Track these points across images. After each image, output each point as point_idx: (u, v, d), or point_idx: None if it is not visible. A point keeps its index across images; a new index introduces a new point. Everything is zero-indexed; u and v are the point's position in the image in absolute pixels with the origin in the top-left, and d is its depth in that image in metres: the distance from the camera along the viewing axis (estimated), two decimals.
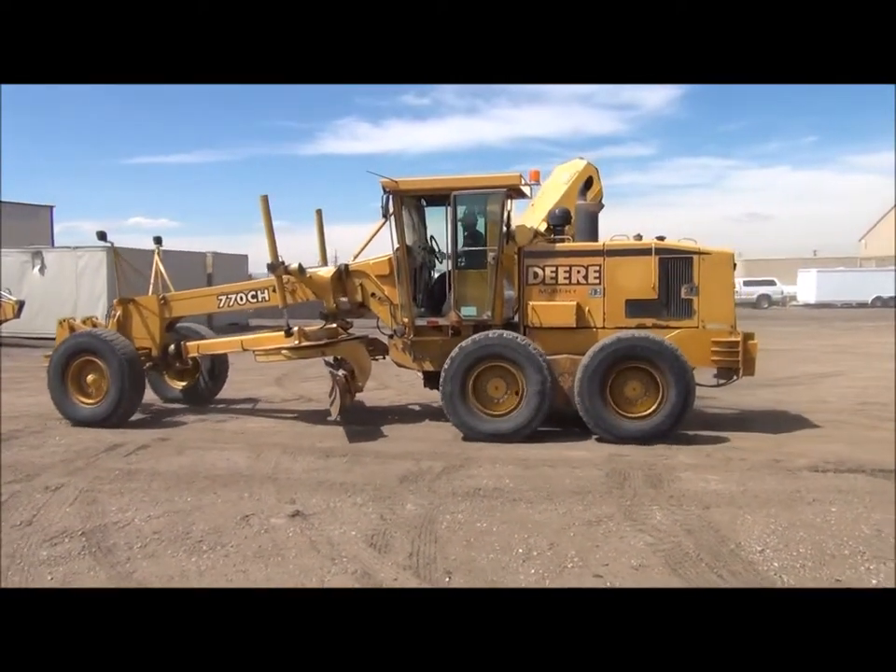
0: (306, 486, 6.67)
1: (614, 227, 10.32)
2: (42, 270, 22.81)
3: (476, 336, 8.56)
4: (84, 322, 10.48)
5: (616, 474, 6.87)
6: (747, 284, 46.44)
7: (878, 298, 43.11)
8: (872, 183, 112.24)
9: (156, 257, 10.77)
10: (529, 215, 10.06)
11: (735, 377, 8.55)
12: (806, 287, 45.24)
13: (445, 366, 8.52)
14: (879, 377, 13.14)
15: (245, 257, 32.86)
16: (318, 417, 9.89)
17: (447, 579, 4.59)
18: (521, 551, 5.04)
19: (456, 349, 8.50)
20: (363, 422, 9.59)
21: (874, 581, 4.44)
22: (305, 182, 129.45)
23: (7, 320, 19.73)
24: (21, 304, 19.75)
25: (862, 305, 42.86)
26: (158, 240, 10.93)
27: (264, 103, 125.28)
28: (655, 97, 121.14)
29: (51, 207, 43.31)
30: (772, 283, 46.68)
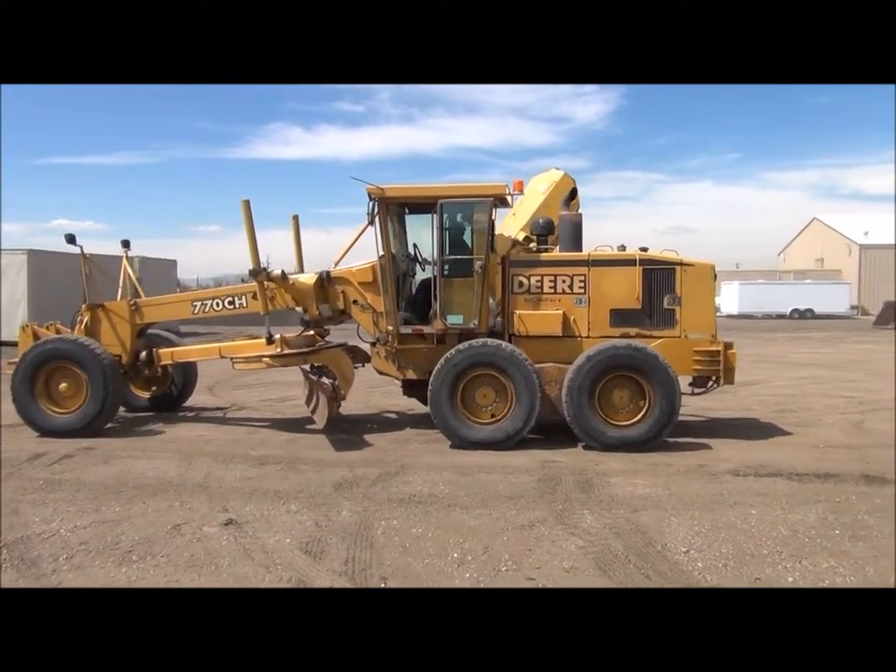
0: (239, 494, 6.59)
1: None
2: None
3: (466, 344, 8.51)
4: (47, 328, 10.06)
5: (549, 480, 7.00)
6: None
7: (796, 310, 45.17)
8: (789, 199, 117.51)
9: (124, 261, 10.46)
10: (507, 224, 10.10)
11: (714, 385, 8.79)
12: (729, 299, 46.89)
13: (434, 373, 8.45)
14: (795, 385, 13.79)
15: (174, 262, 32.22)
16: (252, 425, 9.77)
17: (383, 584, 4.62)
18: (456, 555, 5.10)
19: (446, 356, 8.44)
20: (295, 430, 9.53)
21: (790, 579, 4.66)
22: (237, 186, 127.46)
23: None
24: None
25: (781, 316, 44.76)
26: (126, 243, 10.62)
27: (189, 104, 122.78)
28: (587, 111, 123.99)
29: None
30: None
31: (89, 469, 7.55)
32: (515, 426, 8.29)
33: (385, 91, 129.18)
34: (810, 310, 45.16)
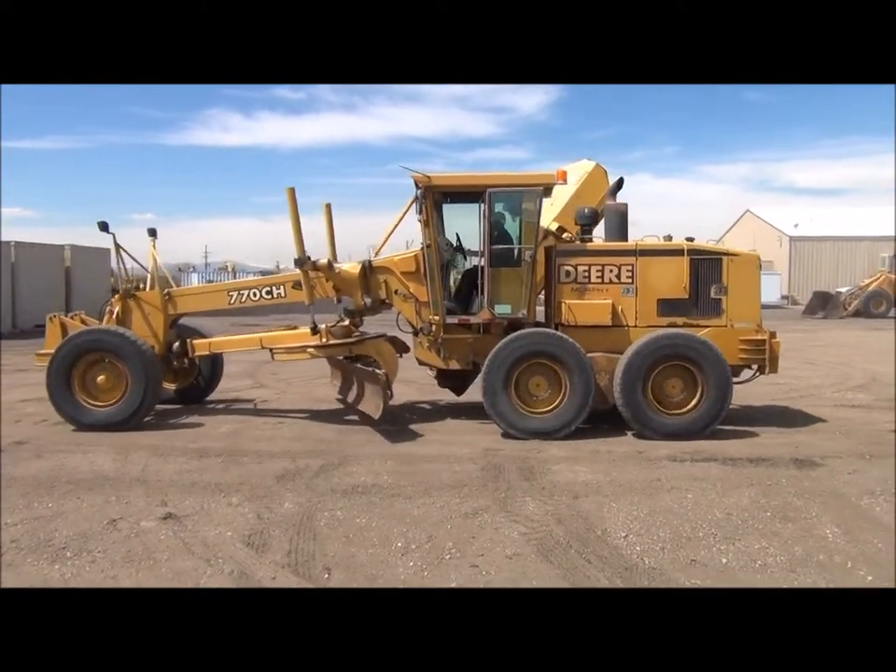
0: (178, 488, 6.46)
1: None
2: None
3: (523, 332, 8.48)
4: (73, 318, 9.67)
5: (492, 468, 7.07)
6: None
7: None
8: (724, 192, 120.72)
9: (151, 249, 10.07)
10: None
11: (757, 374, 8.88)
12: None
13: (488, 361, 8.38)
14: None
15: (108, 251, 31.12)
16: (191, 417, 9.59)
17: (326, 575, 4.60)
18: (400, 545, 5.11)
19: (501, 344, 8.38)
20: (235, 422, 9.39)
21: (724, 560, 4.82)
22: (174, 173, 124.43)
23: None
24: None
25: None
26: (152, 232, 10.20)
27: (123, 87, 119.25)
28: (528, 102, 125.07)
29: None
30: None
31: (20, 464, 7.30)
32: (570, 415, 8.31)
33: None
34: None
